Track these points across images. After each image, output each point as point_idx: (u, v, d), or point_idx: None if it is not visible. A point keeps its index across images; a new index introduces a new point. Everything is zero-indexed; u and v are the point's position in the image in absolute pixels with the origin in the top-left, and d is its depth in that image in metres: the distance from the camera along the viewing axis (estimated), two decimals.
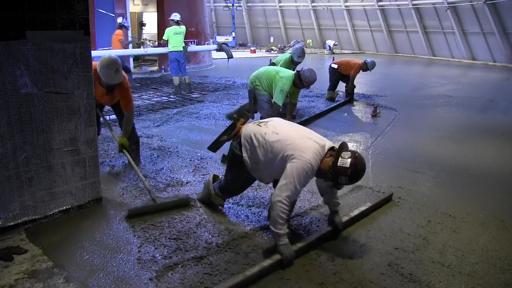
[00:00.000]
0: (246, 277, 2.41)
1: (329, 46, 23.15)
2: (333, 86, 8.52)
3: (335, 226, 2.98)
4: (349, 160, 2.55)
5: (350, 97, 8.41)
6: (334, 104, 7.99)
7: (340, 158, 2.57)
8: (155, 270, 2.54)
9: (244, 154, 2.87)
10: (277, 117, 5.42)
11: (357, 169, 2.58)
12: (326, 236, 2.95)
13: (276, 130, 2.79)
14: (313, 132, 2.85)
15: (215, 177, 3.42)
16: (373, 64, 8.34)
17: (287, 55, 7.21)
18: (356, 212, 3.29)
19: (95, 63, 3.70)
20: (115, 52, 8.77)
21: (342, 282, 2.50)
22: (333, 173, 2.60)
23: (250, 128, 2.92)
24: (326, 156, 2.65)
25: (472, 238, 3.07)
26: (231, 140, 3.11)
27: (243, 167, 2.93)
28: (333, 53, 21.65)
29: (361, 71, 8.32)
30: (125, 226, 3.07)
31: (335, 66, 8.38)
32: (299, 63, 7.07)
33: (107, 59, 3.76)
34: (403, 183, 4.09)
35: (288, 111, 5.88)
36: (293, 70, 6.25)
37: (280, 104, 5.46)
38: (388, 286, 2.48)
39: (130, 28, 10.05)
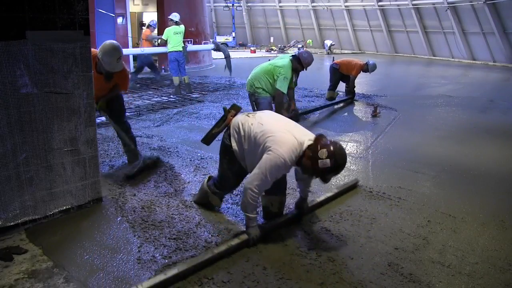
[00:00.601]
0: (214, 255, 2.60)
1: (327, 46, 23.14)
2: (333, 86, 8.51)
3: (301, 210, 3.21)
4: (328, 160, 2.58)
5: (352, 95, 8.40)
6: (337, 100, 8.07)
7: (319, 160, 2.60)
8: (155, 270, 2.55)
9: (233, 144, 2.97)
10: (282, 106, 5.45)
11: (339, 163, 2.63)
12: (291, 219, 3.19)
13: (262, 121, 2.88)
14: (299, 127, 2.89)
15: (210, 178, 3.44)
16: (374, 67, 8.31)
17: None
18: (322, 198, 3.52)
19: (94, 51, 3.67)
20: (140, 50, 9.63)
21: (342, 282, 2.50)
22: (318, 174, 2.68)
23: (239, 118, 3.03)
24: (305, 152, 2.68)
25: (472, 238, 3.07)
26: (222, 132, 3.18)
27: (233, 158, 3.01)
28: (332, 53, 21.65)
29: (361, 71, 8.31)
30: (125, 226, 3.07)
31: (336, 66, 8.36)
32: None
33: (110, 46, 3.72)
34: (403, 183, 4.09)
35: (290, 98, 5.93)
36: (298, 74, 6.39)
37: (285, 92, 5.46)
38: (388, 286, 2.48)
39: (156, 27, 10.57)
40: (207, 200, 3.35)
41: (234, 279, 2.49)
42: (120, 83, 4.04)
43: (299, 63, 5.54)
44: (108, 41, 3.79)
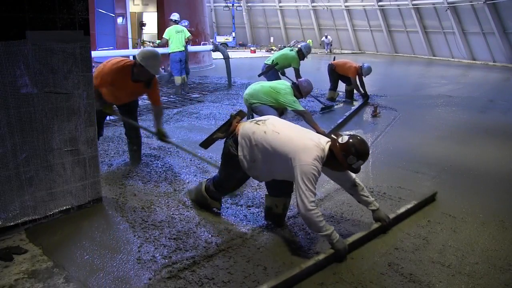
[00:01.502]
0: (302, 270, 2.48)
1: (328, 43, 23.07)
2: (333, 86, 8.50)
3: (382, 222, 3.05)
4: (346, 141, 2.65)
5: (365, 97, 8.30)
6: (355, 108, 7.69)
7: (338, 144, 2.66)
8: (155, 270, 2.54)
9: (240, 153, 2.89)
10: (313, 121, 5.32)
11: (359, 142, 2.66)
12: (375, 231, 3.03)
13: (276, 129, 2.82)
14: (310, 131, 2.93)
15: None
16: (368, 70, 8.17)
17: (291, 54, 7.44)
18: (402, 209, 3.33)
19: (129, 62, 3.84)
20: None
21: (342, 282, 2.50)
22: (340, 159, 2.66)
23: (248, 126, 2.93)
24: (330, 153, 2.70)
25: (472, 238, 3.07)
26: (225, 138, 3.12)
27: (238, 166, 2.95)
28: (331, 52, 21.60)
29: (357, 76, 8.16)
30: (125, 226, 3.07)
31: (333, 66, 8.36)
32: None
33: (151, 51, 3.89)
34: (403, 183, 4.09)
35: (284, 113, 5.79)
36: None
37: (302, 109, 5.38)
38: (388, 286, 2.48)
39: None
40: (207, 203, 3.33)
41: (234, 279, 2.49)
42: (152, 92, 4.07)
43: (298, 91, 5.41)
44: (145, 49, 3.96)
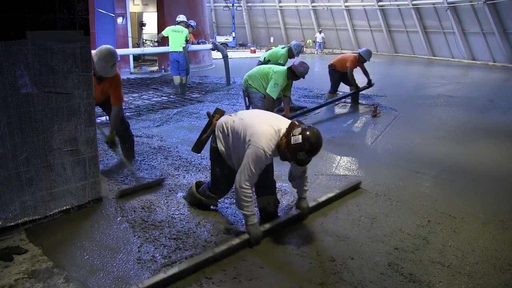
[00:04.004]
0: (215, 254, 2.60)
1: (320, 44, 22.92)
2: (333, 89, 8.29)
3: (302, 210, 3.19)
4: (300, 136, 2.65)
5: (356, 90, 8.02)
6: (338, 97, 7.89)
7: (292, 137, 2.69)
8: (155, 270, 2.54)
9: (219, 145, 3.04)
10: (272, 110, 5.46)
11: (311, 140, 2.66)
12: (292, 219, 3.18)
13: (242, 116, 2.98)
14: (278, 117, 3.00)
15: (198, 184, 3.47)
16: (368, 53, 7.91)
17: (282, 51, 7.57)
18: (323, 198, 3.49)
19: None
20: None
21: (342, 282, 2.50)
22: (290, 152, 2.71)
23: (222, 119, 3.13)
24: (282, 139, 2.76)
25: (472, 238, 3.07)
26: (210, 137, 3.25)
27: (222, 160, 3.08)
28: (321, 52, 21.33)
29: (358, 66, 7.92)
30: (125, 226, 3.07)
31: (332, 66, 8.13)
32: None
33: (106, 51, 3.72)
34: (403, 183, 4.09)
35: (284, 105, 6.04)
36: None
37: (274, 97, 5.58)
38: (388, 286, 2.48)
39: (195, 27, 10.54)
40: (202, 204, 3.36)
41: (234, 279, 2.49)
42: (111, 92, 3.98)
43: (294, 74, 5.65)
44: (104, 46, 3.80)
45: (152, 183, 3.78)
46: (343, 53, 11.60)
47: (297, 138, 2.65)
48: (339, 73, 8.12)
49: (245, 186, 2.74)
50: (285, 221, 3.12)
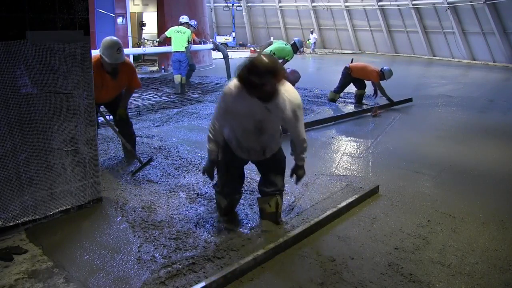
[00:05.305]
0: (240, 265, 2.51)
1: (312, 43, 22.93)
2: (339, 89, 8.26)
3: (297, 177, 3.12)
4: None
5: (391, 102, 8.00)
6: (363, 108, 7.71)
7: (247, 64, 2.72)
8: (155, 270, 2.54)
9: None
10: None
11: (252, 60, 2.69)
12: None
13: None
14: None
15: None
16: (390, 73, 7.94)
17: (287, 47, 8.16)
18: (343, 204, 3.38)
19: (96, 55, 3.82)
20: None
21: (342, 282, 2.50)
22: (244, 79, 2.67)
23: None
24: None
25: (472, 238, 3.07)
26: None
27: (224, 146, 3.05)
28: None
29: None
30: (125, 226, 3.07)
31: (348, 70, 8.06)
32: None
33: (108, 40, 3.88)
34: (403, 183, 4.09)
35: None
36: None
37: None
38: (388, 286, 2.48)
39: (197, 27, 10.68)
40: (220, 206, 3.28)
41: (234, 279, 2.49)
42: (129, 80, 4.16)
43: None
44: (105, 38, 3.94)
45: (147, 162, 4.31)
46: (343, 53, 11.54)
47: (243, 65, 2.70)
48: (352, 78, 8.13)
49: (209, 130, 2.94)
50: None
